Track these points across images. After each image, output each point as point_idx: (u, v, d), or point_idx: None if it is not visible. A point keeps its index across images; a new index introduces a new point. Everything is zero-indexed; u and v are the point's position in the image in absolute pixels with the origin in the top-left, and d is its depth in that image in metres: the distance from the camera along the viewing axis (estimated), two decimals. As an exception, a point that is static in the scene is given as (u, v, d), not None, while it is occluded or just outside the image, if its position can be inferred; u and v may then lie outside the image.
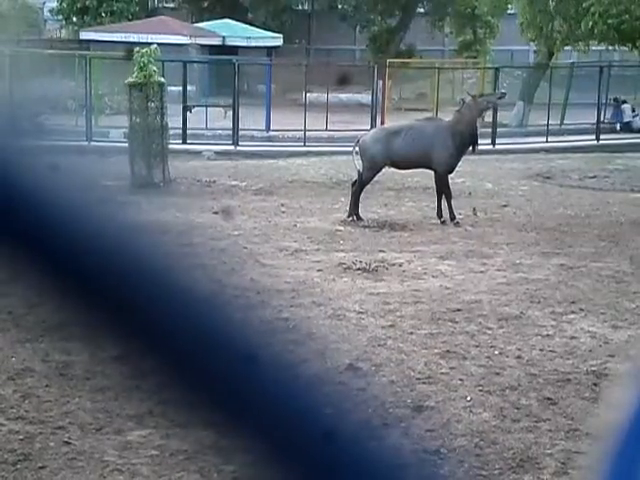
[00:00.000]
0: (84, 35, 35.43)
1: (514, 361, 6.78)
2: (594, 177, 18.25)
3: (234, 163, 19.76)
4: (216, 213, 13.07)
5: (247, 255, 10.19)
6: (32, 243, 0.57)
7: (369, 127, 21.77)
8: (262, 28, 37.05)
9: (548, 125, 26.20)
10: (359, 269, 9.67)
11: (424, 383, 6.25)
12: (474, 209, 13.30)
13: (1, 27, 39.77)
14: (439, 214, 12.73)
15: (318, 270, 9.59)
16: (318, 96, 27.25)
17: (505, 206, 14.33)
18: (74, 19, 40.27)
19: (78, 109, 25.34)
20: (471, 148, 12.89)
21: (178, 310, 0.61)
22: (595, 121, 26.58)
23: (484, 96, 13.28)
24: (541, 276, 9.50)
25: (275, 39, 36.79)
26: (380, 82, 26.37)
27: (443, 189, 12.80)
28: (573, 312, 8.15)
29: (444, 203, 12.70)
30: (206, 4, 41.83)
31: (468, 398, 5.99)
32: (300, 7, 42.16)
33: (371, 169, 12.96)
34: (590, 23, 25.53)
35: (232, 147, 22.80)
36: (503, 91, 12.74)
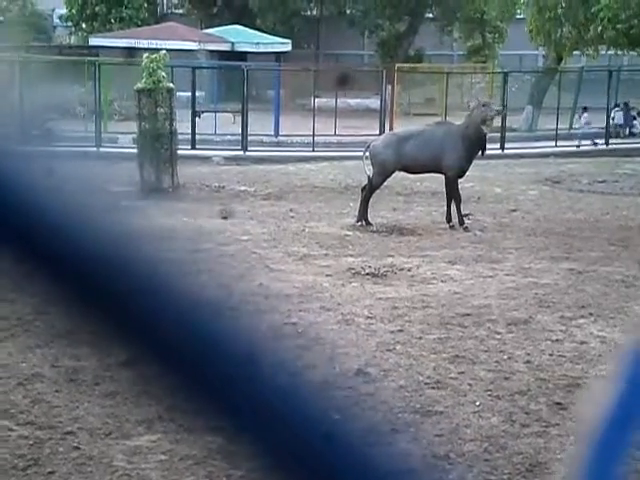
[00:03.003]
0: (93, 41, 35.55)
1: (523, 366, 6.77)
2: (603, 181, 18.21)
3: (243, 168, 19.79)
4: (225, 218, 13.08)
5: (256, 260, 10.20)
6: (39, 249, 0.58)
7: (378, 132, 21.80)
8: (271, 34, 37.11)
9: (557, 130, 26.17)
10: (368, 274, 9.67)
11: (433, 388, 6.24)
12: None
13: (11, 34, 39.92)
14: (448, 219, 12.73)
15: (327, 275, 9.59)
16: (327, 101, 27.29)
17: (514, 211, 14.31)
18: (83, 25, 40.45)
19: (87, 115, 25.42)
20: (480, 152, 12.89)
21: (186, 315, 0.61)
22: (604, 125, 26.54)
23: (486, 105, 13.16)
24: (550, 281, 9.48)
25: (284, 44, 36.84)
26: (389, 87, 26.39)
27: (452, 193, 12.79)
28: (582, 317, 8.13)
29: (453, 208, 12.70)
30: (215, 10, 41.93)
31: (477, 403, 5.98)
32: (309, 12, 42.23)
33: (381, 174, 12.96)
34: (599, 28, 25.52)
35: (241, 152, 22.84)
36: (500, 108, 12.70)
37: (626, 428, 0.71)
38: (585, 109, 26.49)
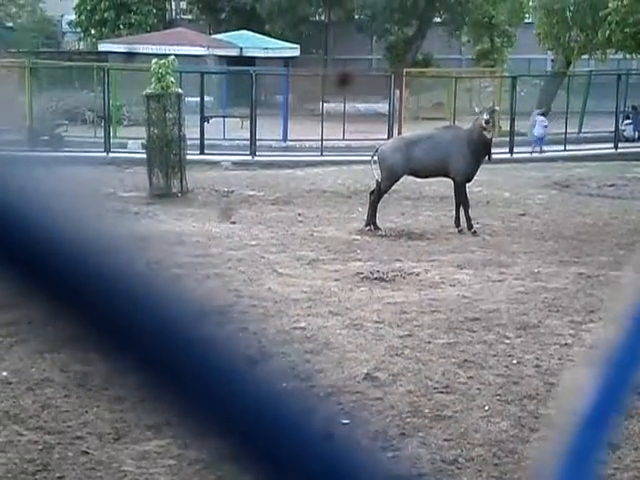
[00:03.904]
0: (102, 47, 35.67)
1: (532, 370, 6.76)
2: (612, 185, 18.18)
3: (251, 173, 19.82)
4: (234, 223, 13.10)
5: (264, 265, 10.21)
6: (46, 255, 0.58)
7: (386, 136, 21.80)
8: (279, 39, 37.18)
9: (566, 134, 26.12)
10: (376, 278, 9.66)
11: (442, 392, 6.23)
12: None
13: (20, 40, 40.08)
14: (457, 223, 12.72)
15: (335, 279, 9.59)
16: (335, 106, 27.31)
17: (523, 215, 14.29)
18: (92, 31, 40.59)
19: (96, 120, 25.50)
20: (487, 157, 12.90)
21: (191, 322, 0.61)
22: (613, 129, 26.46)
23: (481, 112, 13.13)
24: (559, 285, 9.47)
25: (292, 49, 36.91)
26: (397, 91, 26.39)
27: (461, 198, 12.79)
28: (592, 321, 8.11)
29: (462, 212, 12.69)
30: (224, 15, 42.04)
31: (486, 407, 5.97)
32: (317, 18, 42.29)
33: (390, 178, 12.97)
34: (607, 32, 25.50)
35: (249, 157, 22.87)
36: (487, 117, 12.71)
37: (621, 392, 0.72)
38: (543, 114, 25.56)
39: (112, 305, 0.59)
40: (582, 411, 0.70)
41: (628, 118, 27.46)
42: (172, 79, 16.01)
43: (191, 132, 19.00)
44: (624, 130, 26.99)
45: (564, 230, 12.91)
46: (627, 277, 9.76)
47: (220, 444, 0.64)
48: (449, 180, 13.17)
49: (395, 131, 24.32)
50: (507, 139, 24.26)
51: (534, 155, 24.28)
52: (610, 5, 25.19)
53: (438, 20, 39.36)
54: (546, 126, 25.04)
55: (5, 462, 5.06)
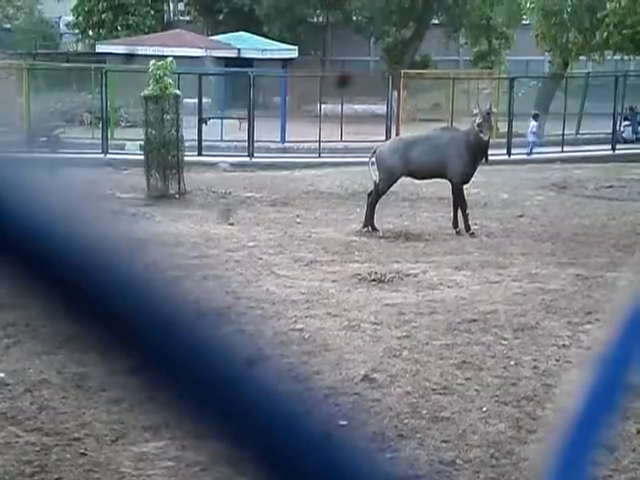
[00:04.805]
0: (100, 48, 35.65)
1: (530, 372, 6.76)
2: (610, 187, 18.19)
3: (249, 174, 19.82)
4: (231, 224, 13.10)
5: (262, 266, 10.20)
6: (45, 256, 0.58)
7: (384, 138, 21.80)
8: (277, 40, 37.17)
9: (564, 135, 26.14)
10: (374, 280, 9.66)
11: (440, 394, 6.23)
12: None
13: (18, 41, 40.08)
14: (454, 224, 12.73)
15: (333, 281, 9.59)
16: (333, 107, 27.32)
17: (521, 216, 14.30)
18: (90, 33, 40.58)
19: (94, 122, 25.50)
20: (484, 159, 12.91)
21: (191, 322, 0.61)
22: (611, 131, 26.48)
23: (476, 115, 13.17)
24: (557, 286, 9.47)
25: (290, 51, 36.90)
26: (395, 93, 26.40)
27: (458, 199, 12.80)
28: (589, 322, 8.11)
29: (460, 213, 12.70)
30: (221, 17, 42.01)
31: (484, 409, 5.97)
32: (315, 19, 42.29)
33: (388, 180, 12.97)
34: (605, 34, 25.52)
35: (247, 159, 22.88)
36: (481, 120, 12.68)
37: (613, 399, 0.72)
38: (535, 116, 25.38)
39: (111, 306, 0.59)
40: (575, 411, 0.71)
41: (627, 120, 27.47)
42: (170, 80, 16.01)
43: (189, 133, 19.02)
44: (623, 132, 26.99)
45: (562, 231, 12.92)
46: (625, 279, 9.78)
47: (218, 446, 0.64)
48: (447, 181, 13.18)
49: (393, 132, 24.33)
50: (505, 140, 24.28)
51: (531, 156, 24.34)
52: (608, 7, 25.19)
53: (436, 22, 39.36)
54: (534, 132, 25.03)
55: (2, 464, 5.06)
